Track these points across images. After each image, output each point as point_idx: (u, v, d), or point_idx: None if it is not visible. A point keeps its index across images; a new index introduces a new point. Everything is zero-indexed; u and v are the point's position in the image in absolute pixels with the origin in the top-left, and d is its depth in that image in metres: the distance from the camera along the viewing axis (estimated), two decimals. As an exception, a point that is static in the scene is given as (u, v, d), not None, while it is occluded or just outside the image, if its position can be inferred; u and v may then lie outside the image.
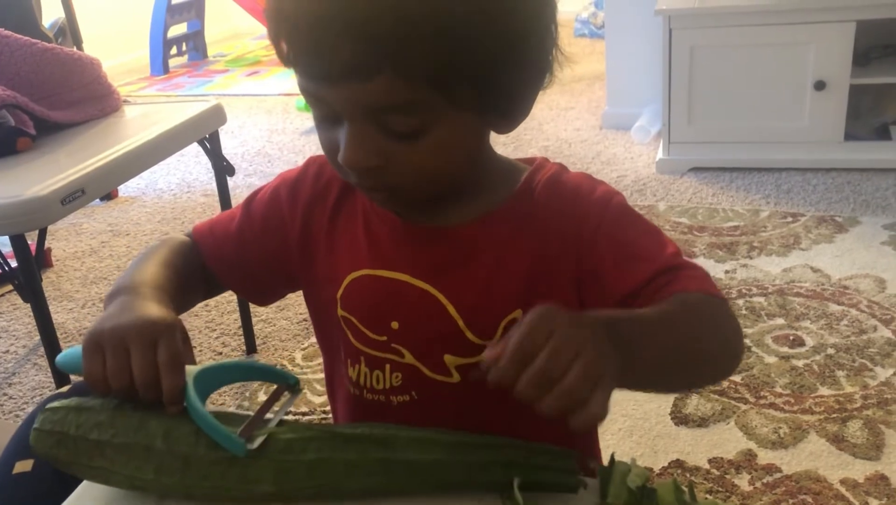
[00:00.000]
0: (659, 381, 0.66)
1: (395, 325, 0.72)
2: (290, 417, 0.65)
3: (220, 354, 1.94)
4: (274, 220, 0.79)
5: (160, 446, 0.59)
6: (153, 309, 0.64)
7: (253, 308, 2.00)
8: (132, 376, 0.59)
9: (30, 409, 1.87)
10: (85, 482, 0.63)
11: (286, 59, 0.62)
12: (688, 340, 0.63)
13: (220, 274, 0.80)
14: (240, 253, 0.79)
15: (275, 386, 0.67)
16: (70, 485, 0.63)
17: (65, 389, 0.75)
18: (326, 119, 0.64)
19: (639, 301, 0.67)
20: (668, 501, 0.54)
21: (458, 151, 0.66)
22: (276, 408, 0.64)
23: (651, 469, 1.43)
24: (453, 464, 0.59)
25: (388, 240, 0.73)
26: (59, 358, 0.66)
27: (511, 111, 0.67)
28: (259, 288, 0.83)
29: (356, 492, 0.59)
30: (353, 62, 0.57)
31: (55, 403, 0.63)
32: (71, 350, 0.65)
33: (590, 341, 0.53)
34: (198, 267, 0.79)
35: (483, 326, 0.71)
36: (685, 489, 0.56)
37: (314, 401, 1.70)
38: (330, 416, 0.88)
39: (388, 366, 0.74)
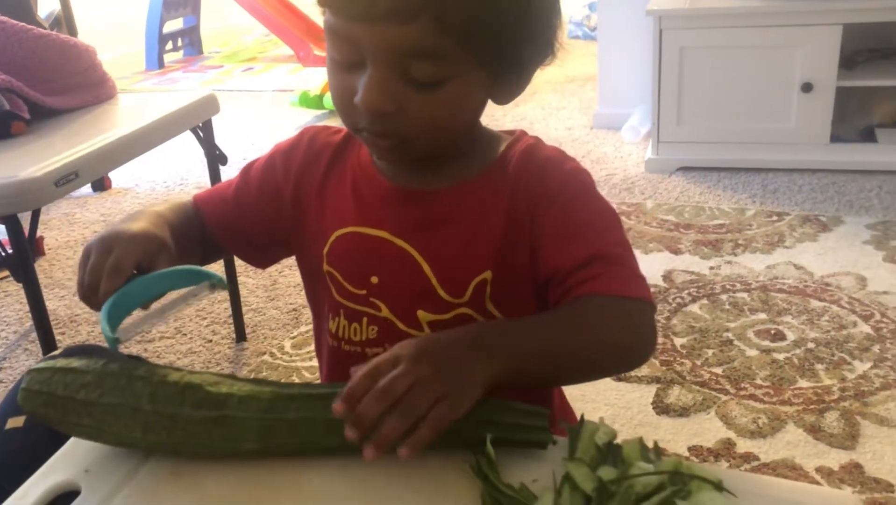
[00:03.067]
0: (544, 379, 0.71)
1: (374, 279, 0.76)
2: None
3: (210, 341, 1.96)
4: (269, 186, 0.82)
5: (147, 407, 0.62)
6: (130, 225, 0.69)
7: (243, 297, 2.03)
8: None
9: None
10: (73, 438, 0.66)
11: (323, 0, 0.66)
12: (573, 345, 0.67)
13: (220, 237, 0.84)
14: (237, 217, 0.83)
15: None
16: (61, 440, 0.65)
17: (56, 352, 0.77)
18: (347, 64, 0.67)
19: (566, 283, 0.70)
20: (633, 458, 0.57)
21: (466, 109, 0.71)
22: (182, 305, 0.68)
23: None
24: None
25: (373, 199, 0.77)
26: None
27: (515, 81, 0.72)
28: (257, 251, 0.87)
29: (336, 449, 0.62)
30: (398, 4, 0.61)
31: (41, 364, 0.65)
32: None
33: (430, 373, 0.58)
34: (197, 228, 0.83)
35: (455, 285, 0.74)
36: (650, 447, 0.58)
37: (302, 387, 1.72)
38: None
39: (365, 319, 0.77)
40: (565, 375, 0.72)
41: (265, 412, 0.61)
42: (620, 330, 0.69)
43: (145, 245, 0.68)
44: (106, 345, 0.64)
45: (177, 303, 0.67)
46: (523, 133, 0.80)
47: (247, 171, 0.85)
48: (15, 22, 1.58)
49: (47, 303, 1.75)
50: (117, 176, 3.03)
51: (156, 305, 0.67)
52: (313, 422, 0.61)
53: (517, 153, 0.76)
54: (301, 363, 1.82)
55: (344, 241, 0.78)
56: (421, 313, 0.76)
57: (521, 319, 0.69)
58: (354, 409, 0.57)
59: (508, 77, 0.71)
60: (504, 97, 0.73)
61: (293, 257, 0.88)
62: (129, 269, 0.66)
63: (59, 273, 2.38)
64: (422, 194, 0.76)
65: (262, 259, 0.89)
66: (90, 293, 0.66)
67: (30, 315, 2.10)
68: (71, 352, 0.68)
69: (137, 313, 0.66)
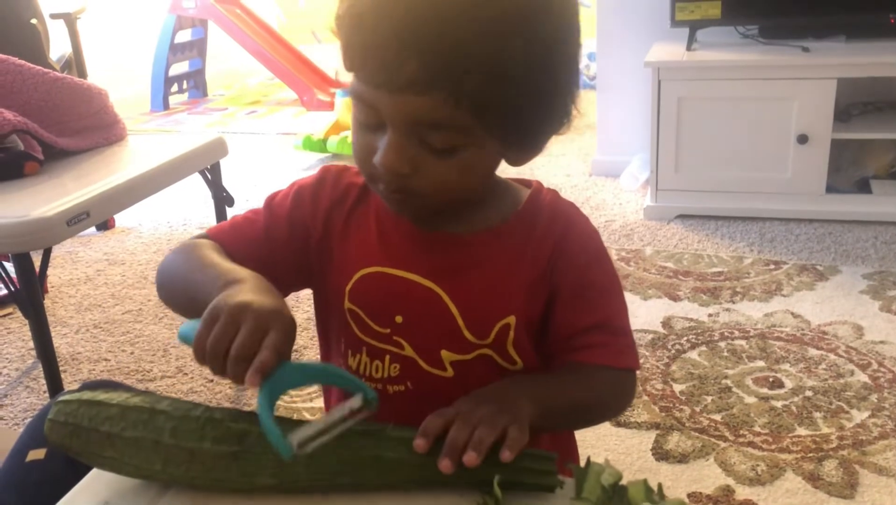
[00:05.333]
0: (554, 428, 0.83)
1: (399, 319, 0.79)
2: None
3: (212, 381, 1.96)
4: (299, 222, 0.84)
5: (168, 441, 0.63)
6: (265, 298, 0.65)
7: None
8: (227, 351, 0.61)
9: (20, 430, 1.89)
10: (94, 471, 0.67)
11: (352, 65, 0.70)
12: (579, 405, 0.79)
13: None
14: (268, 254, 0.83)
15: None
16: (80, 473, 0.67)
17: (75, 388, 0.79)
18: (369, 125, 0.71)
19: (573, 342, 0.80)
20: (638, 499, 0.58)
21: (478, 173, 0.75)
22: (341, 419, 0.64)
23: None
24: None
25: (401, 241, 0.80)
26: (181, 329, 0.67)
27: (529, 148, 0.76)
28: (280, 286, 0.86)
29: (349, 486, 0.63)
30: (415, 77, 0.65)
31: (67, 396, 0.67)
32: (192, 321, 0.66)
33: (492, 411, 0.66)
34: None
35: (480, 327, 0.78)
36: (654, 489, 0.60)
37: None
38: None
39: (387, 357, 0.80)
40: (569, 426, 0.88)
41: None
42: (616, 398, 0.84)
43: (294, 330, 0.65)
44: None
45: (344, 418, 0.64)
46: (539, 184, 0.84)
47: (271, 208, 0.85)
48: (32, 65, 1.63)
49: (50, 340, 1.77)
50: (121, 215, 3.05)
51: (324, 420, 0.64)
52: (327, 460, 0.63)
53: (544, 207, 0.82)
54: (302, 404, 1.83)
55: (369, 281, 0.80)
56: (445, 353, 0.79)
57: (546, 376, 0.80)
58: (431, 444, 0.63)
59: (523, 144, 0.76)
60: (518, 160, 0.77)
61: (294, 297, 0.89)
62: (288, 356, 0.63)
63: (62, 311, 2.39)
64: (452, 239, 0.80)
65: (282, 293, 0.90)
66: (237, 367, 0.60)
67: (32, 352, 2.12)
68: (87, 387, 0.70)
69: (308, 426, 0.62)
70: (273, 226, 0.84)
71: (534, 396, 0.71)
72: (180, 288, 0.78)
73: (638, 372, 0.88)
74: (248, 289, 0.66)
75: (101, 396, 0.66)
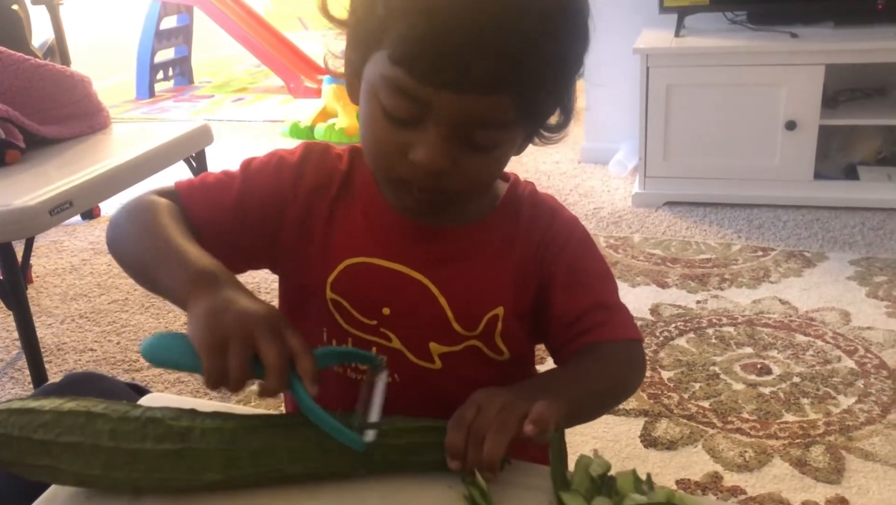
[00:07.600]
0: (579, 421, 0.79)
1: (386, 311, 0.77)
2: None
3: (199, 370, 1.95)
4: (275, 199, 0.79)
5: (107, 444, 0.61)
6: (254, 300, 0.63)
7: (232, 326, 2.03)
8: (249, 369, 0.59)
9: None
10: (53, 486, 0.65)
11: (401, 58, 0.64)
12: (599, 389, 0.78)
13: (207, 238, 0.76)
14: (236, 222, 0.78)
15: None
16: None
17: (57, 381, 0.77)
18: (405, 120, 0.67)
19: (575, 327, 0.79)
20: (626, 489, 0.58)
21: (503, 166, 0.74)
22: (374, 396, 0.66)
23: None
24: (390, 446, 0.63)
25: (388, 233, 0.78)
26: (144, 348, 0.62)
27: (542, 138, 0.77)
28: (236, 257, 0.79)
29: (301, 476, 0.63)
30: (487, 78, 0.63)
31: None
32: (158, 339, 0.63)
33: (511, 399, 0.65)
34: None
35: (469, 319, 0.77)
36: (643, 479, 0.60)
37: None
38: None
39: (374, 349, 0.78)
40: (594, 416, 0.85)
41: (228, 443, 0.61)
42: (630, 371, 0.81)
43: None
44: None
45: (375, 392, 0.66)
46: (516, 176, 0.84)
47: (248, 174, 0.80)
48: (12, 52, 1.60)
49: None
50: (106, 204, 3.02)
51: (361, 403, 0.65)
52: (276, 450, 0.62)
53: (525, 199, 0.81)
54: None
55: (355, 271, 0.77)
56: (433, 345, 0.78)
57: (565, 370, 0.78)
58: (465, 460, 0.62)
59: (539, 135, 0.77)
60: (522, 150, 0.77)
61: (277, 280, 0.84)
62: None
63: (47, 301, 2.37)
64: (439, 231, 0.78)
65: (235, 267, 0.78)
66: (280, 380, 0.59)
67: (16, 343, 2.10)
68: (71, 379, 0.68)
69: (351, 416, 0.64)
70: (248, 194, 0.78)
71: (557, 393, 0.69)
72: (135, 260, 0.74)
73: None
74: (230, 291, 0.63)
75: (31, 403, 0.63)
